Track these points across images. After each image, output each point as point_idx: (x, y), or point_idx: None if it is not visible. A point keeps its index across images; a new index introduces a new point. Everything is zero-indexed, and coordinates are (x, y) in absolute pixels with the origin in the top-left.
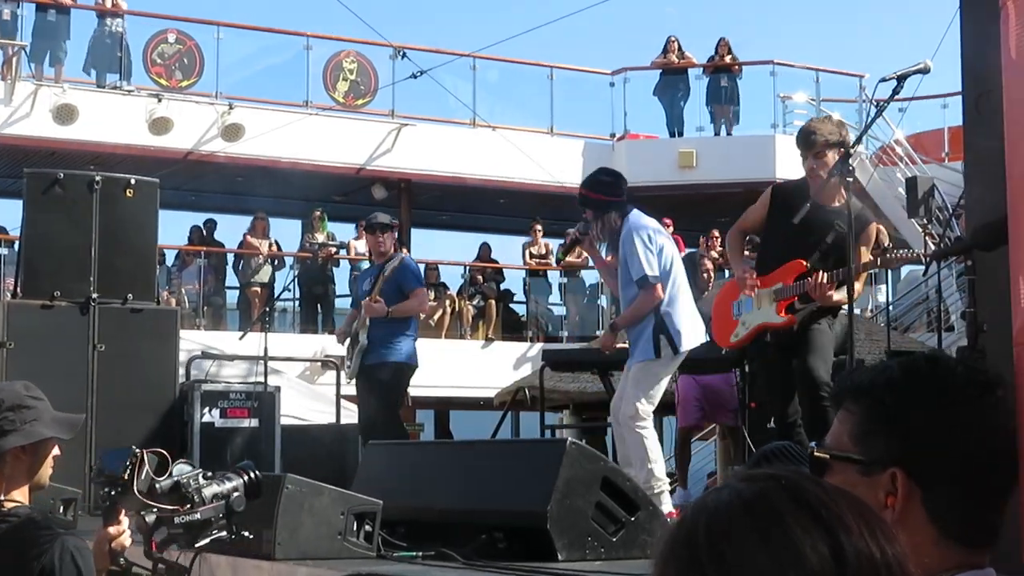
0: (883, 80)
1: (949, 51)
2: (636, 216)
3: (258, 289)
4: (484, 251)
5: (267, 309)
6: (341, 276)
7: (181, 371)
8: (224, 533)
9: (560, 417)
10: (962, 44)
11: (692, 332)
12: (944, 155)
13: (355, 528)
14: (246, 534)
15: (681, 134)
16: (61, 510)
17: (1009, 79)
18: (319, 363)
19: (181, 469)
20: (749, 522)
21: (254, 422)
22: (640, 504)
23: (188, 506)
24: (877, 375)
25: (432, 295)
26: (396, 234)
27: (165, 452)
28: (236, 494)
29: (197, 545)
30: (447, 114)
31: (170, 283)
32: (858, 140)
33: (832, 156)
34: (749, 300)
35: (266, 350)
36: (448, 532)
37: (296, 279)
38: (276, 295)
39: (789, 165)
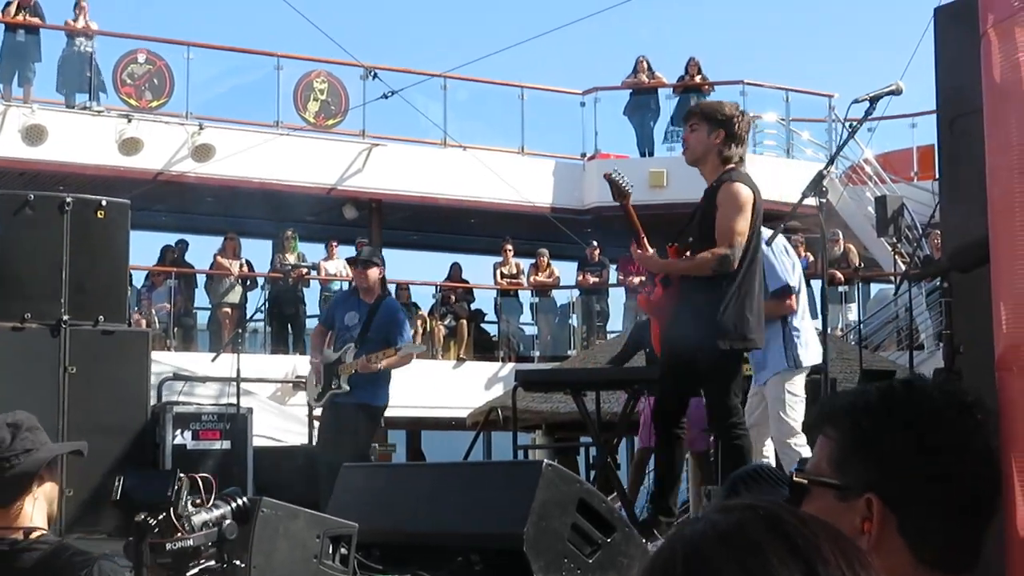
0: (856, 101)
1: (918, 71)
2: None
3: (229, 310)
4: (455, 271)
5: (239, 331)
6: (312, 296)
7: (152, 393)
8: (213, 563)
9: (532, 437)
10: (937, 68)
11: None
12: (913, 174)
13: (331, 551)
14: (238, 563)
15: (652, 154)
16: None
17: (991, 104)
18: (290, 384)
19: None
20: (726, 553)
21: (226, 444)
22: (616, 526)
23: (180, 532)
24: (855, 399)
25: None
26: (383, 271)
27: (209, 476)
28: (227, 522)
29: (184, 571)
30: (418, 134)
31: (140, 304)
32: (830, 162)
33: (705, 130)
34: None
35: (239, 371)
36: (424, 555)
37: (267, 300)
38: (248, 316)
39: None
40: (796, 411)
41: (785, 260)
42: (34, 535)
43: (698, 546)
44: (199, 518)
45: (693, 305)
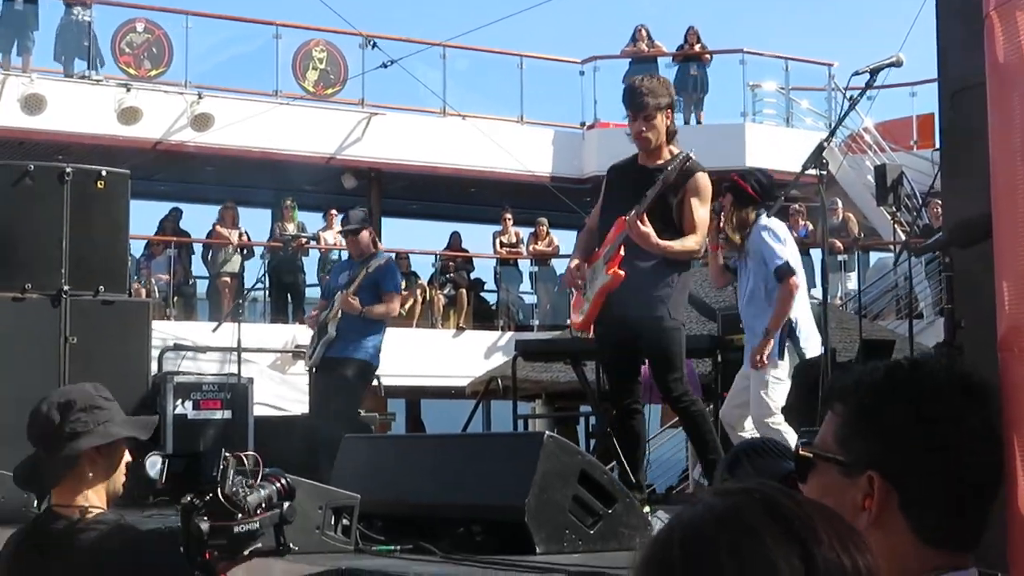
0: (856, 73)
1: (918, 40)
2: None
3: (228, 279)
4: (455, 240)
5: (240, 301)
6: (311, 265)
7: (153, 363)
8: (272, 544)
9: (532, 407)
10: (938, 41)
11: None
12: (913, 143)
13: (333, 522)
14: (293, 547)
15: None
16: (35, 503)
17: (994, 85)
18: (290, 353)
19: (154, 461)
20: (723, 536)
21: (227, 413)
22: (617, 496)
23: (239, 516)
24: (862, 376)
25: (403, 284)
26: (372, 230)
27: (255, 455)
28: (288, 505)
29: (240, 556)
30: (417, 103)
31: (139, 273)
32: (831, 133)
33: (661, 119)
34: (590, 276)
35: (239, 341)
36: (426, 526)
37: (267, 270)
38: (249, 287)
39: (759, 153)
40: (777, 392)
41: (775, 244)
42: (90, 515)
43: (695, 529)
44: (253, 498)
45: (643, 283)
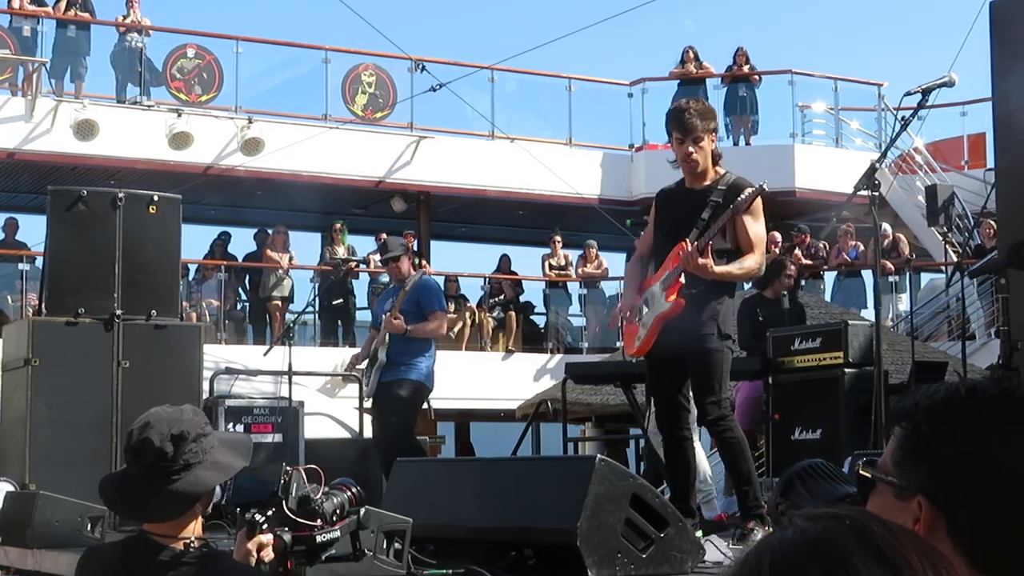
0: (908, 94)
1: (968, 59)
2: None
3: (279, 303)
4: (504, 262)
5: (291, 324)
6: (361, 288)
7: (205, 386)
8: (348, 551)
9: (582, 429)
10: (992, 62)
11: None
12: (964, 163)
13: (385, 546)
14: (369, 552)
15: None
16: (88, 527)
17: None
18: (340, 376)
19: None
20: (814, 562)
21: (278, 437)
22: (669, 520)
23: (318, 521)
24: (920, 400)
25: (452, 307)
26: (411, 255)
27: (317, 468)
28: (364, 510)
29: (316, 563)
30: (466, 126)
31: (190, 297)
32: (883, 155)
33: (708, 141)
34: (646, 300)
35: (290, 365)
36: (478, 549)
37: (317, 293)
38: (301, 310)
39: (809, 174)
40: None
41: None
42: (196, 545)
43: (786, 555)
44: (329, 505)
45: (694, 306)
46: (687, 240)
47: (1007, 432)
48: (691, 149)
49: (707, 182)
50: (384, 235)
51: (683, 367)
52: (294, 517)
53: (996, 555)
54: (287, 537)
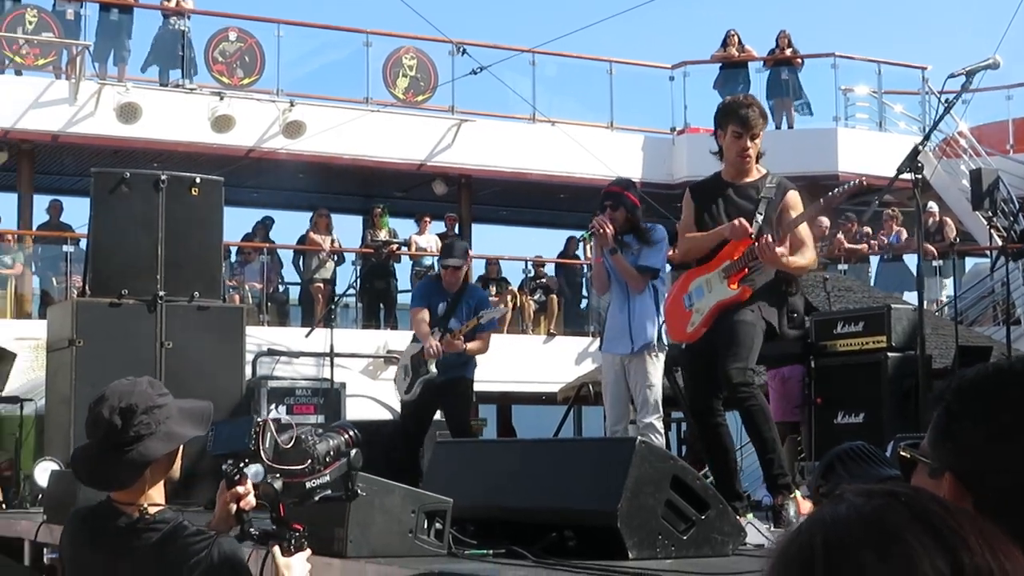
0: (952, 76)
1: (1013, 42)
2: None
3: (321, 285)
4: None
5: (332, 306)
6: (402, 271)
7: (247, 368)
8: (341, 491)
9: None
10: None
11: None
12: (1009, 147)
13: (426, 526)
14: (361, 492)
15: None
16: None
17: None
18: (382, 358)
19: (257, 471)
20: (868, 538)
21: (320, 418)
22: (711, 503)
23: (308, 463)
24: (955, 380)
25: (494, 290)
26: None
27: (289, 421)
28: (355, 452)
29: (307, 503)
30: (507, 110)
31: (233, 279)
32: (926, 137)
33: (760, 138)
34: (699, 289)
35: (332, 347)
36: (518, 530)
37: (359, 275)
38: (342, 292)
39: (852, 158)
40: (658, 388)
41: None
42: (151, 512)
43: (839, 531)
44: (322, 447)
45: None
46: (752, 237)
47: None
48: (748, 145)
49: (752, 178)
50: (428, 219)
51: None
52: (273, 465)
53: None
54: (277, 484)
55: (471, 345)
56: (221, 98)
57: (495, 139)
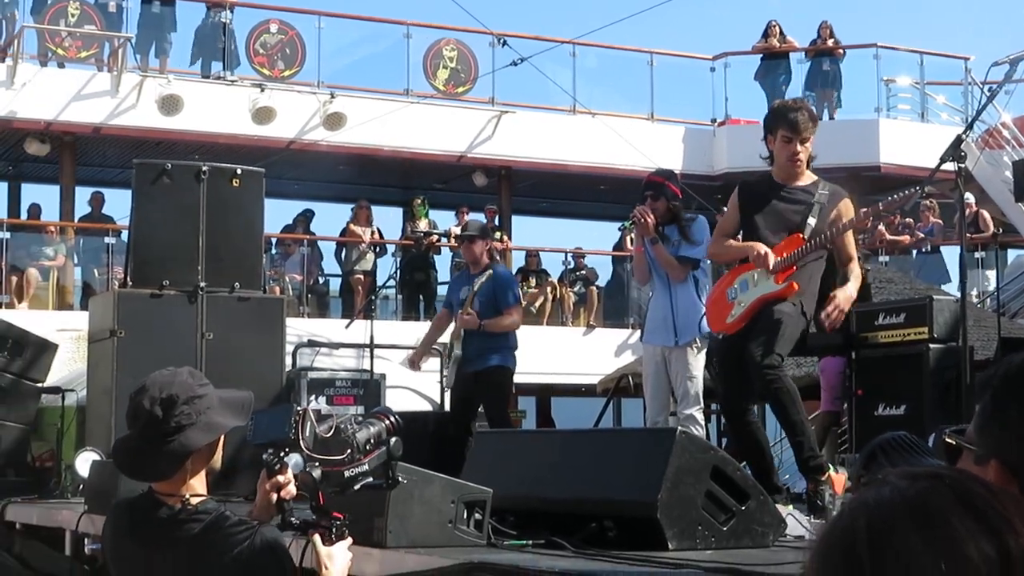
0: (996, 64)
1: None
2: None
3: (361, 277)
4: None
5: (372, 298)
6: (442, 263)
7: (288, 359)
8: (381, 480)
9: None
10: None
11: None
12: None
13: (465, 516)
14: (402, 479)
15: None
16: None
17: None
18: None
19: (297, 462)
20: (913, 522)
21: (360, 409)
22: (751, 494)
23: (348, 452)
24: (1001, 368)
25: (533, 282)
26: (488, 241)
27: (320, 407)
28: (394, 440)
29: (348, 492)
30: (547, 101)
31: (273, 271)
32: (969, 126)
33: (811, 142)
34: (744, 282)
35: (372, 338)
36: (558, 521)
37: (399, 267)
38: (382, 284)
39: (894, 149)
40: (699, 380)
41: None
42: (193, 503)
43: (883, 514)
44: (362, 435)
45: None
46: (803, 237)
47: None
48: (799, 149)
49: (802, 182)
50: (467, 210)
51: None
52: (312, 454)
53: None
54: (316, 473)
55: (493, 322)
56: (262, 90)
57: (535, 131)
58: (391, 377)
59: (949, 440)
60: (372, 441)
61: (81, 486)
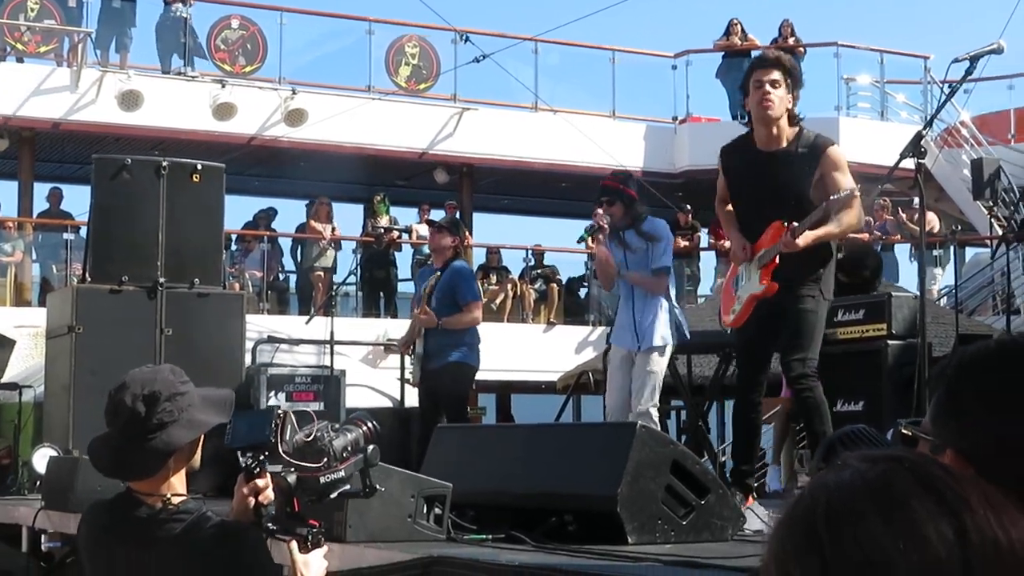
0: (956, 61)
1: (1015, 32)
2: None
3: (321, 273)
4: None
5: (332, 294)
6: (403, 260)
7: (247, 355)
8: (359, 487)
9: None
10: None
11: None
12: (1010, 136)
13: (425, 511)
14: (380, 488)
15: (744, 117)
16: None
17: None
18: (382, 347)
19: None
20: (872, 503)
21: (320, 405)
22: (710, 487)
23: (325, 460)
24: (955, 356)
25: (494, 279)
26: (458, 240)
27: (310, 411)
28: (371, 448)
29: (324, 500)
30: (509, 98)
31: (233, 267)
32: (929, 122)
33: (785, 92)
34: (741, 275)
35: (332, 334)
36: (518, 515)
37: (359, 264)
38: (342, 280)
39: (853, 147)
40: (657, 378)
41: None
42: (174, 502)
43: (843, 495)
44: (339, 442)
45: (798, 268)
46: (784, 223)
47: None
48: (769, 90)
49: (781, 144)
50: (428, 207)
51: (776, 331)
52: (291, 459)
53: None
54: (291, 478)
55: (452, 319)
56: (223, 86)
57: (497, 128)
58: (351, 374)
59: (905, 431)
60: (349, 448)
61: (38, 482)
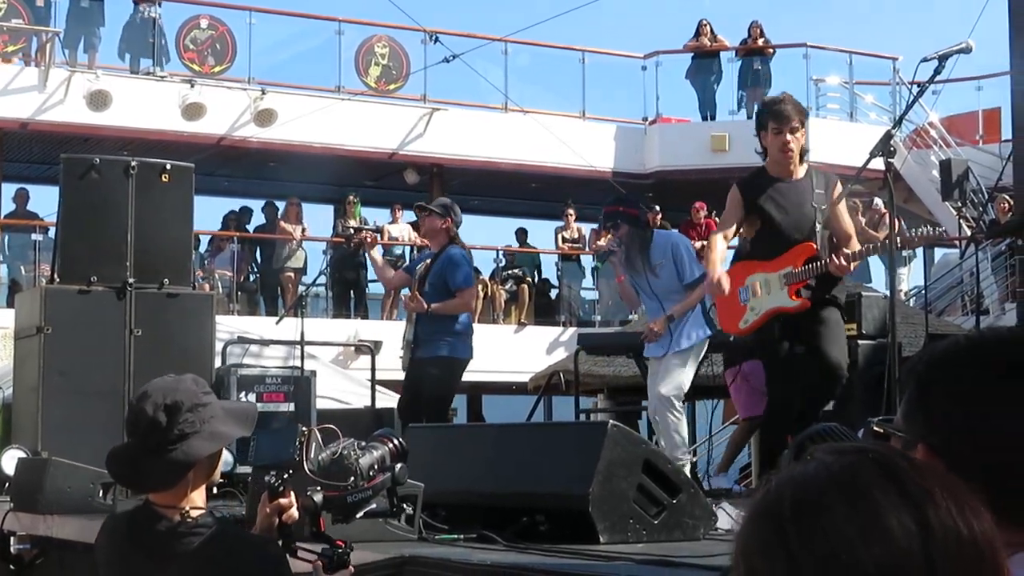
0: (925, 60)
1: (983, 34)
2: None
3: (291, 274)
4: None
5: (303, 294)
6: None
7: (217, 356)
8: (386, 506)
9: (594, 402)
10: (1011, 31)
11: None
12: (978, 138)
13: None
14: (407, 508)
15: (714, 117)
16: (100, 494)
17: None
18: (353, 347)
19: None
20: (837, 495)
21: (290, 406)
22: (682, 487)
23: (351, 479)
24: (928, 352)
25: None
26: (450, 226)
27: (333, 427)
28: (399, 466)
29: (351, 520)
30: (479, 99)
31: (204, 268)
32: (898, 122)
33: (801, 133)
34: (754, 287)
35: (302, 335)
36: (490, 515)
37: (329, 265)
38: (312, 281)
39: (823, 148)
40: (687, 373)
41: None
42: (193, 516)
43: (808, 487)
44: (365, 460)
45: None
46: (815, 246)
47: (1004, 378)
48: (789, 139)
49: (799, 176)
50: (400, 207)
51: (797, 334)
52: (315, 478)
53: (1004, 504)
54: (317, 498)
55: (442, 305)
56: (192, 86)
57: (467, 128)
58: (321, 374)
59: (877, 428)
60: (376, 467)
61: (7, 484)
